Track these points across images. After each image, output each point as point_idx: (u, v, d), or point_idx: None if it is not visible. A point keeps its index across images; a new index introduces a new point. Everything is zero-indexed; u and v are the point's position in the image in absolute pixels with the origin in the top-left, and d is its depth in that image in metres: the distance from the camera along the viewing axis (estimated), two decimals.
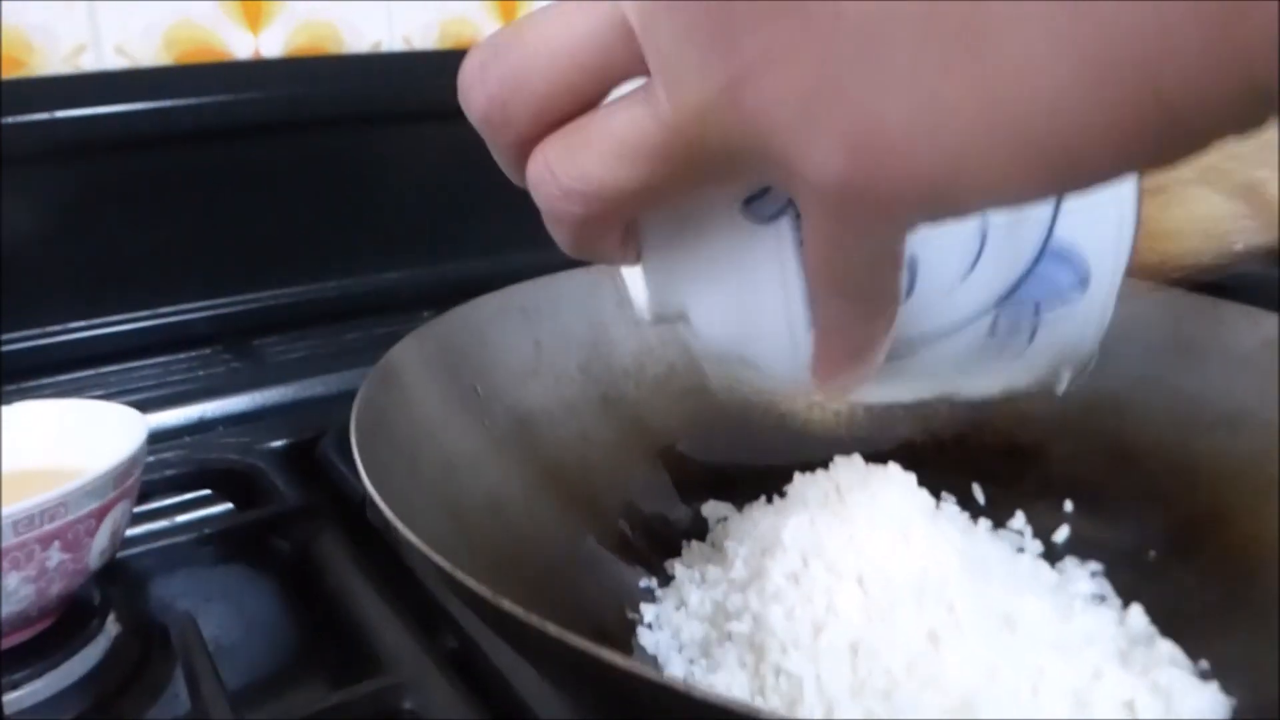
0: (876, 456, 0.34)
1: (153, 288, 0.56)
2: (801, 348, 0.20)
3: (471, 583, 0.18)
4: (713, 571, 0.31)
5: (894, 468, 0.31)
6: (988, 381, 0.22)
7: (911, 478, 0.31)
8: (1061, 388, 0.23)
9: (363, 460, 0.23)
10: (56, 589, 0.31)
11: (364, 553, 0.39)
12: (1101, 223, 0.20)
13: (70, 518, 0.31)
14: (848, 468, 0.30)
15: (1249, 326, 0.38)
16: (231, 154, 0.57)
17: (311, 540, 0.40)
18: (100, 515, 0.32)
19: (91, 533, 0.32)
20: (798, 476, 0.31)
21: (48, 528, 0.30)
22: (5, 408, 0.37)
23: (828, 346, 0.20)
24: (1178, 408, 0.38)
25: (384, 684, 0.31)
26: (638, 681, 0.16)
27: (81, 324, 0.54)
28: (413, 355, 0.31)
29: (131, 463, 0.33)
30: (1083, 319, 0.21)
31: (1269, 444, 0.35)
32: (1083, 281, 0.20)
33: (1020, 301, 0.20)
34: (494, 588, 0.19)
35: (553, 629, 0.17)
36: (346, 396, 0.53)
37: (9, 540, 0.29)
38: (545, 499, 0.32)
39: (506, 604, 0.18)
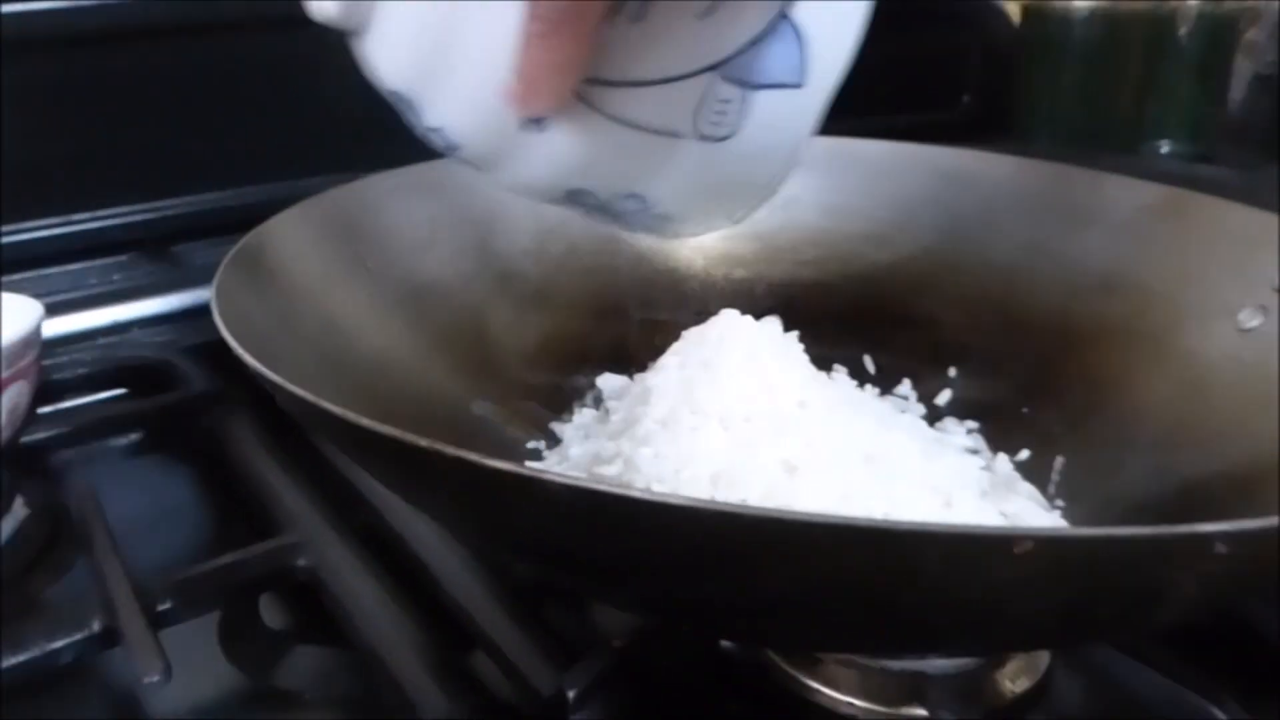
0: None
1: (69, 193, 0.56)
2: (495, 65, 0.19)
3: (309, 397, 0.19)
4: (596, 428, 0.32)
5: (770, 320, 0.32)
6: (685, 187, 0.22)
7: (778, 325, 0.32)
8: (739, 216, 0.23)
9: (220, 308, 0.24)
10: None
11: (276, 440, 0.39)
12: (835, 22, 0.20)
13: None
14: (726, 320, 0.31)
15: (1127, 194, 0.39)
16: (149, 56, 0.56)
17: (221, 425, 0.41)
18: None
19: None
20: (682, 334, 0.32)
21: None
22: None
23: (528, 53, 0.19)
24: (1061, 274, 0.39)
25: (281, 543, 0.32)
26: (472, 468, 0.17)
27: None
28: (293, 224, 0.31)
29: (24, 344, 0.33)
30: (788, 123, 0.21)
31: (1141, 305, 0.37)
32: (803, 73, 0.20)
33: (740, 70, 0.20)
34: None
35: (394, 431, 0.18)
36: None
37: None
38: (436, 364, 0.33)
39: (355, 417, 0.18)
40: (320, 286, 0.31)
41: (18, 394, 0.34)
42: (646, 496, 0.15)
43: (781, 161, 0.22)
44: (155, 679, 0.24)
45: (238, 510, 0.37)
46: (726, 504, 0.15)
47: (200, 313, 0.53)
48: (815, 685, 0.28)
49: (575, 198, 0.23)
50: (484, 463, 0.16)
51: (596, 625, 0.30)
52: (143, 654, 0.25)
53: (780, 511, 0.14)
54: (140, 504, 0.39)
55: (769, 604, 0.18)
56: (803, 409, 0.28)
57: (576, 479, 0.16)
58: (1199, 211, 0.37)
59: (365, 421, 0.18)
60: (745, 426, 0.27)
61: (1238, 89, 0.78)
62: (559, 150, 0.21)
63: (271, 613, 0.32)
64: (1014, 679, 0.28)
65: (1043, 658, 0.29)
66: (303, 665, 0.30)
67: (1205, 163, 0.74)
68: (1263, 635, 0.28)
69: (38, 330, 0.34)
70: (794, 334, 0.32)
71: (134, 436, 0.42)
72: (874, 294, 0.42)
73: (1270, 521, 0.14)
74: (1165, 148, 0.75)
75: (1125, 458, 0.34)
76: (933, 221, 0.43)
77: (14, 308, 0.36)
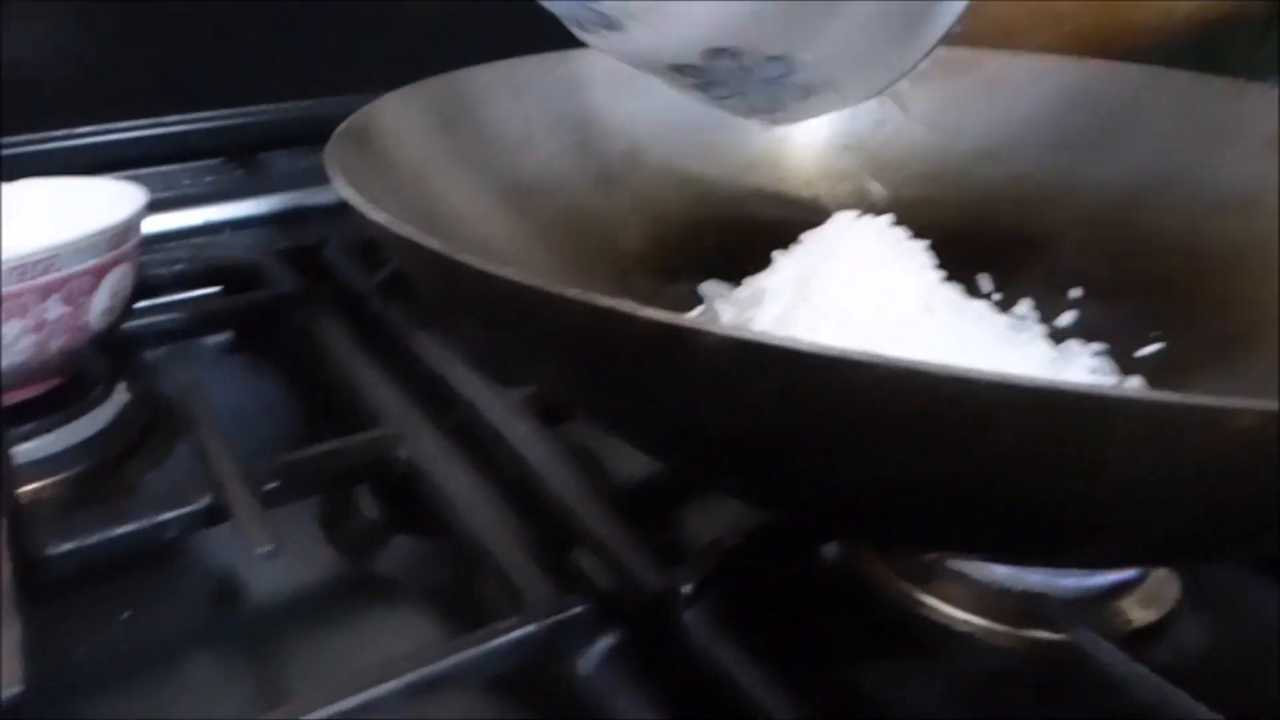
0: None
1: (156, 97, 0.56)
2: None
3: (434, 243, 0.18)
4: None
5: (884, 221, 0.30)
6: (841, 48, 0.20)
7: (904, 234, 0.30)
8: (880, 87, 0.21)
9: (337, 168, 0.23)
10: (58, 344, 0.32)
11: (367, 341, 0.39)
12: None
13: (66, 271, 0.31)
14: (844, 220, 0.29)
15: (1268, 108, 0.36)
16: None
17: (314, 324, 0.41)
18: (98, 274, 0.32)
19: (90, 290, 0.32)
20: (800, 237, 0.31)
21: (44, 279, 0.30)
22: (6, 185, 0.38)
23: None
24: (1195, 192, 0.37)
25: (381, 434, 0.32)
26: (631, 321, 0.16)
27: (88, 129, 0.53)
28: (397, 108, 0.30)
29: (127, 226, 0.33)
30: None
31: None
32: None
33: None
34: None
35: (542, 282, 0.17)
36: (347, 205, 0.53)
37: (5, 287, 0.30)
38: (538, 258, 0.32)
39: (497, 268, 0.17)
40: (423, 171, 0.30)
41: (120, 278, 0.34)
42: (826, 351, 0.14)
43: (941, 25, 0.20)
44: (267, 550, 0.24)
45: (330, 406, 0.37)
46: (910, 360, 0.14)
47: (286, 218, 0.53)
48: (928, 599, 0.27)
49: (711, 59, 0.21)
50: (646, 315, 0.15)
51: (700, 527, 0.29)
52: (254, 528, 0.24)
53: (970, 371, 0.13)
54: (235, 398, 0.39)
55: (922, 483, 0.17)
56: (928, 313, 0.26)
57: (741, 330, 0.15)
58: None
59: (506, 272, 0.17)
60: (865, 328, 0.26)
61: None
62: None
63: (367, 504, 0.32)
64: (1143, 607, 0.27)
65: (1173, 587, 0.28)
66: (399, 554, 0.30)
67: None
68: None
69: (140, 216, 0.34)
70: (921, 241, 0.31)
71: (227, 333, 0.43)
72: (987, 212, 0.40)
73: None
74: None
75: (1264, 387, 0.31)
76: (1053, 137, 0.41)
77: (117, 193, 0.36)
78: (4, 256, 0.29)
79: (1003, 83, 0.43)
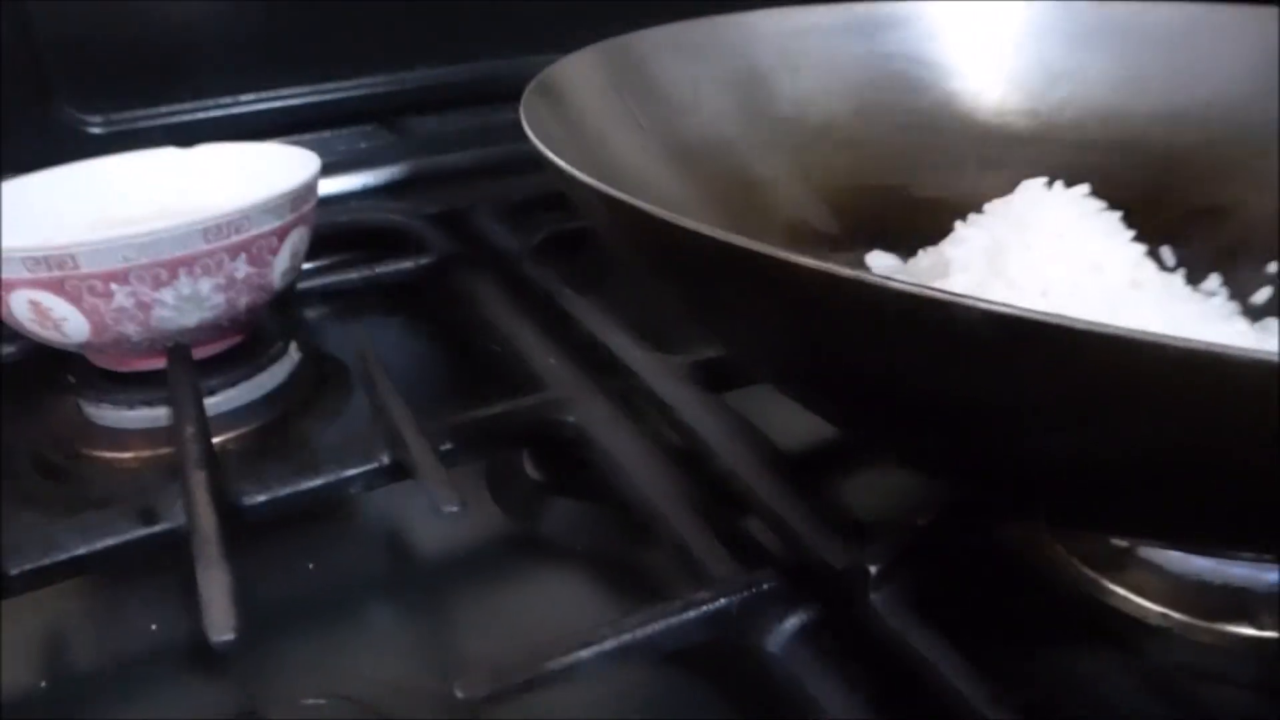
0: None
1: (309, 64, 0.57)
2: None
3: (632, 201, 0.18)
4: None
5: (1080, 191, 0.28)
6: None
7: (1098, 204, 0.28)
8: None
9: (530, 125, 0.23)
10: (245, 301, 0.33)
11: (523, 305, 0.40)
12: None
13: (254, 232, 0.32)
14: (1034, 189, 0.28)
15: None
16: None
17: (470, 288, 0.41)
18: (281, 235, 0.33)
19: (274, 250, 0.33)
20: (984, 207, 0.30)
21: (234, 239, 0.32)
22: (191, 151, 0.39)
23: None
24: None
25: (548, 397, 0.32)
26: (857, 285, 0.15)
27: (251, 96, 0.55)
28: (578, 68, 0.30)
29: (307, 189, 0.34)
30: None
31: None
32: None
33: None
34: None
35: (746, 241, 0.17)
36: (495, 169, 0.54)
37: (199, 247, 0.31)
38: (705, 218, 0.31)
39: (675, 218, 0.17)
40: (603, 130, 0.30)
41: (299, 239, 0.35)
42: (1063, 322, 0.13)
43: None
44: (454, 508, 0.24)
45: (492, 370, 0.37)
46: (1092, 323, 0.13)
47: (436, 181, 0.54)
48: (1119, 590, 0.26)
49: None
50: (896, 287, 0.14)
51: (873, 503, 0.28)
52: (439, 486, 0.25)
53: (1149, 334, 0.12)
54: (398, 359, 0.40)
55: (1111, 453, 0.16)
56: (1135, 289, 0.25)
57: (1010, 306, 0.14)
58: None
59: (717, 232, 0.16)
60: (1068, 303, 0.25)
61: None
62: None
63: (533, 467, 0.32)
64: None
65: None
66: (566, 517, 0.31)
67: None
68: None
69: (316, 179, 0.35)
70: (1116, 213, 0.29)
71: (390, 297, 0.44)
72: (1171, 179, 0.38)
73: None
74: None
75: None
76: (1244, 95, 0.38)
77: (294, 158, 0.37)
78: (198, 218, 0.31)
79: (1187, 36, 0.40)
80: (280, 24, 0.55)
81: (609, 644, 0.20)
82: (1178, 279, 0.30)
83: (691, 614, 0.21)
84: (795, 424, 0.29)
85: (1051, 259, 0.25)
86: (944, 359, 0.16)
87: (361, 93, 0.58)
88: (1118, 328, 0.13)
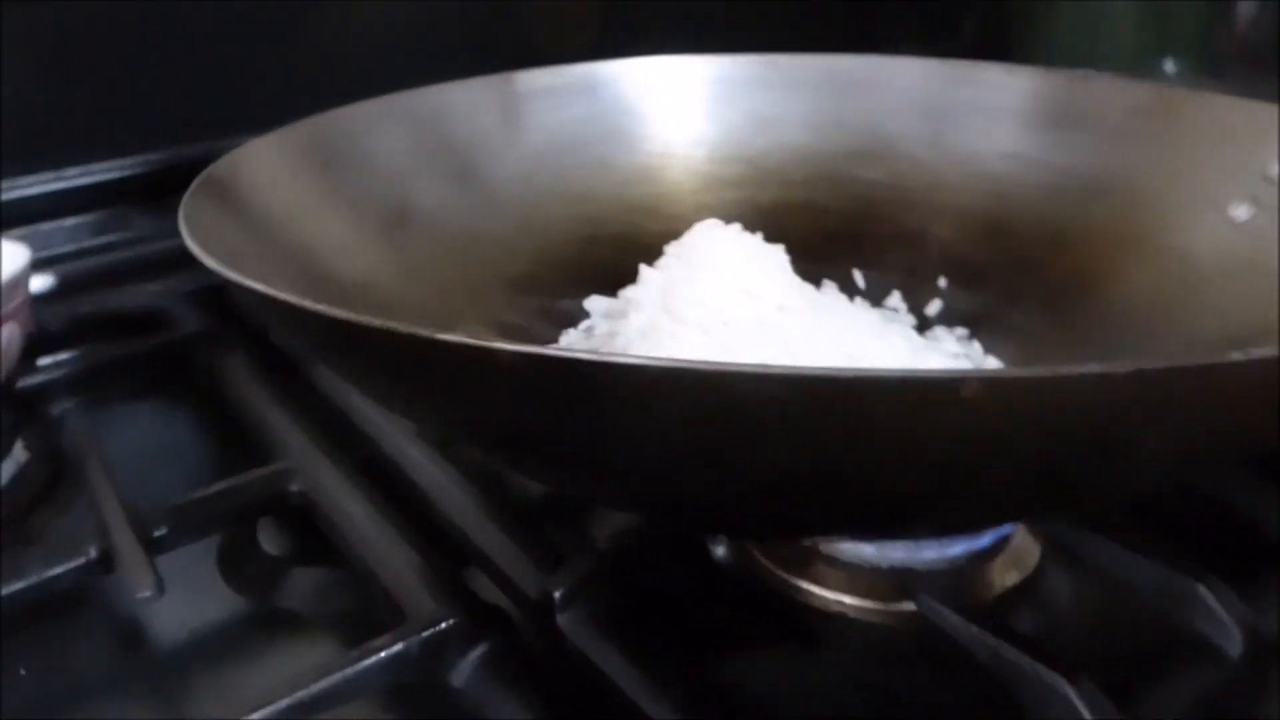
0: None
1: (56, 148, 0.56)
2: None
3: (270, 289, 0.19)
4: (580, 343, 0.32)
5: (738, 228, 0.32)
6: None
7: (758, 238, 0.31)
8: None
9: (188, 227, 0.24)
10: None
11: (272, 376, 0.40)
12: None
13: None
14: (705, 229, 0.31)
15: (1118, 96, 0.39)
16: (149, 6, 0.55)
17: (218, 365, 0.41)
18: None
19: None
20: (665, 248, 0.32)
21: None
22: None
23: None
24: (1050, 179, 0.39)
25: (275, 469, 0.32)
26: (428, 344, 0.17)
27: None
28: (266, 151, 0.31)
29: (12, 285, 0.34)
30: None
31: (1129, 205, 0.36)
32: None
33: None
34: None
35: (351, 315, 0.18)
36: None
37: None
38: (418, 291, 0.33)
39: (311, 304, 0.18)
40: (295, 213, 0.31)
41: (9, 336, 0.34)
42: (619, 360, 0.15)
43: None
44: (148, 594, 0.24)
45: (235, 446, 0.37)
46: (669, 360, 0.15)
47: (192, 260, 0.53)
48: (804, 585, 0.28)
49: None
50: (440, 337, 0.16)
51: (587, 535, 0.30)
52: (136, 571, 0.25)
53: (719, 364, 0.14)
54: (139, 444, 0.39)
55: (713, 464, 0.18)
56: (782, 312, 0.28)
57: (531, 349, 0.16)
58: (1189, 107, 0.36)
59: (320, 307, 0.18)
60: (725, 330, 0.27)
61: (1246, 7, 0.76)
62: None
63: (269, 538, 0.32)
64: (1003, 573, 0.29)
65: (1032, 554, 0.29)
66: (300, 586, 0.31)
67: (1213, 79, 0.72)
68: (1244, 519, 0.28)
69: (24, 274, 0.35)
70: (778, 245, 0.32)
71: (131, 380, 0.43)
72: (864, 210, 0.42)
73: (1220, 357, 0.14)
74: (1170, 67, 0.74)
75: (1114, 355, 0.33)
76: (920, 134, 0.43)
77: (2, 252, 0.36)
78: None
79: (870, 83, 0.45)
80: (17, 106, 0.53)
81: (283, 702, 0.21)
82: (843, 300, 0.34)
83: (372, 660, 0.22)
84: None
85: (712, 293, 0.28)
86: (511, 402, 0.17)
87: (105, 177, 0.56)
88: (612, 355, 0.15)
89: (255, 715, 0.20)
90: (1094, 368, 0.14)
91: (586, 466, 0.20)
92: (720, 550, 0.29)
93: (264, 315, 0.23)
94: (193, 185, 0.27)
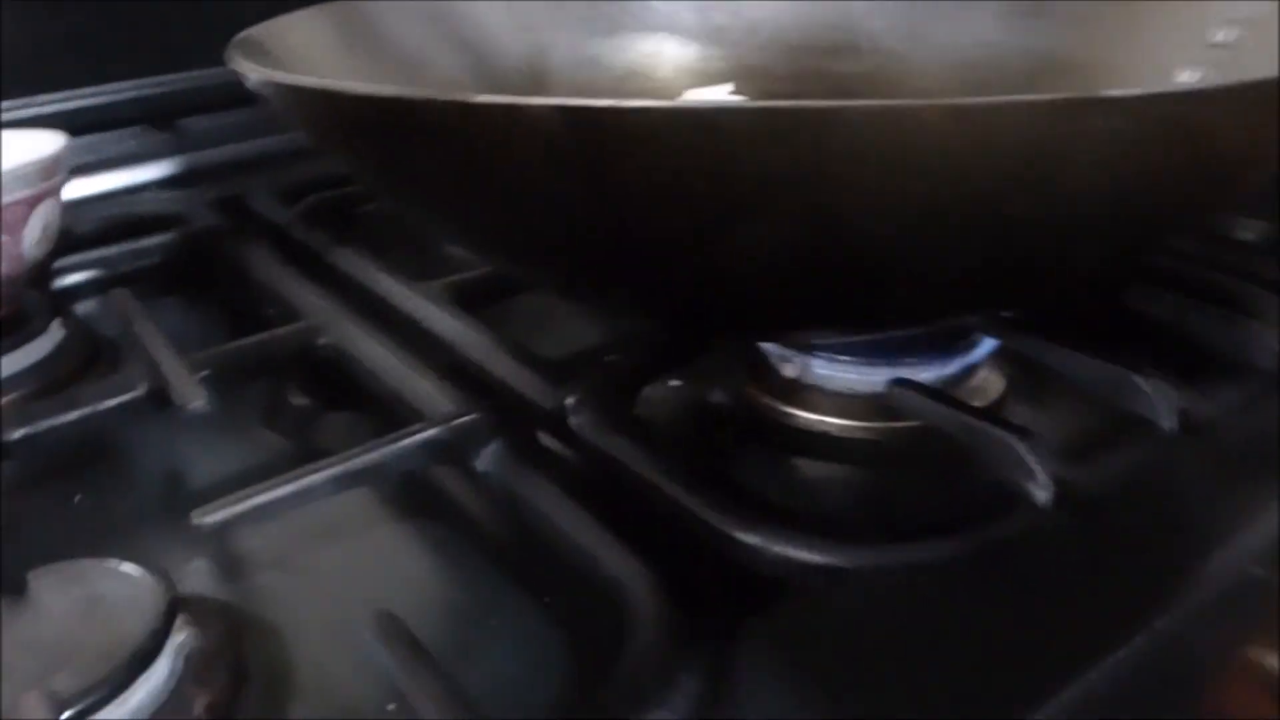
0: None
1: (75, 70, 0.57)
2: None
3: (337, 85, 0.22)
4: None
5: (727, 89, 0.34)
6: None
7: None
8: None
9: (234, 53, 0.26)
10: None
11: (291, 263, 0.42)
12: None
13: (3, 201, 0.34)
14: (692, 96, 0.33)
15: None
16: None
17: (240, 256, 0.44)
18: (30, 204, 0.35)
19: (23, 220, 0.35)
20: None
21: None
22: None
23: None
24: (1025, 65, 0.42)
25: (305, 324, 0.35)
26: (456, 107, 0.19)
27: (18, 102, 0.55)
28: (294, 26, 0.33)
29: (54, 160, 0.36)
30: None
31: (1097, 80, 0.39)
32: None
33: None
34: None
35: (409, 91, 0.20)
36: (267, 161, 0.56)
37: None
38: None
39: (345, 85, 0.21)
40: (323, 73, 0.33)
41: (49, 210, 0.36)
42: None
43: None
44: (199, 405, 0.27)
45: (264, 325, 0.40)
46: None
47: (209, 175, 0.56)
48: (794, 410, 0.31)
49: None
50: (469, 100, 0.18)
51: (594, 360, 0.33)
52: (187, 388, 0.28)
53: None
54: (170, 329, 0.42)
55: (719, 222, 0.21)
56: None
57: (561, 100, 0.18)
58: None
59: (371, 87, 0.20)
60: None
61: None
62: None
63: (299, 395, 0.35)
64: (973, 397, 0.32)
65: (997, 386, 0.32)
66: (333, 428, 0.34)
67: None
68: (1182, 332, 0.31)
69: (64, 153, 0.37)
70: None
71: (159, 275, 0.45)
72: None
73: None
74: None
75: None
76: (899, 28, 0.46)
77: (43, 139, 0.38)
78: None
79: None
80: (43, 30, 0.56)
81: (337, 469, 0.23)
82: None
83: (407, 441, 0.25)
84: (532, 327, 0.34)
85: None
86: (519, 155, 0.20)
87: (130, 95, 0.58)
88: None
89: (307, 479, 0.23)
90: (1034, 96, 0.17)
91: (603, 240, 0.23)
92: (717, 394, 0.32)
93: (302, 115, 0.25)
94: (232, 42, 0.29)
